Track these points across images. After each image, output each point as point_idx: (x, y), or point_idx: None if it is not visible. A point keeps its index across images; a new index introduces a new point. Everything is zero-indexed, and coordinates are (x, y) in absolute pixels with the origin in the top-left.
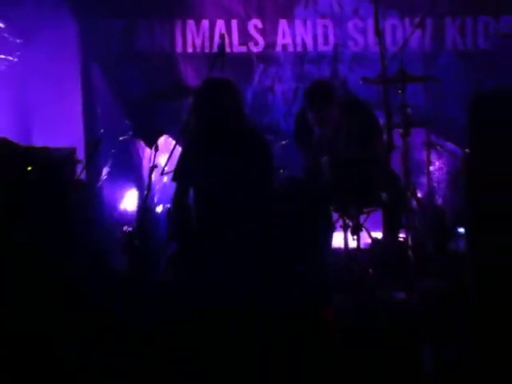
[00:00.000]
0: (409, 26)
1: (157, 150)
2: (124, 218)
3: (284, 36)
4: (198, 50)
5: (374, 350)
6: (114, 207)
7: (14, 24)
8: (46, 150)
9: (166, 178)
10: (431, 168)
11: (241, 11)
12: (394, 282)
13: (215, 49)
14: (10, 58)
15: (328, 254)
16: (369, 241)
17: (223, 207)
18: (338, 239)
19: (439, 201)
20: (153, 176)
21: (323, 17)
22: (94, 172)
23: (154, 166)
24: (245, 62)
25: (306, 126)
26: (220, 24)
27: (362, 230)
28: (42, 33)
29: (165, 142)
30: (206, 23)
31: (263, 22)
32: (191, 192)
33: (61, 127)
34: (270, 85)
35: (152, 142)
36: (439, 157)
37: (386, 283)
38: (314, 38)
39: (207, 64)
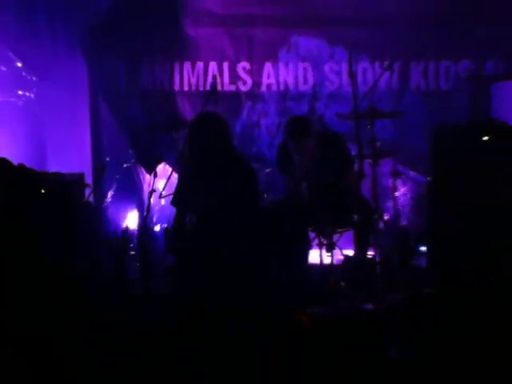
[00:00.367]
0: (378, 69)
1: (156, 175)
2: (126, 235)
3: (269, 77)
4: (194, 88)
5: (346, 350)
6: (117, 226)
7: (31, 63)
8: (58, 174)
9: (163, 201)
10: (397, 194)
11: (231, 55)
12: (363, 293)
13: (208, 87)
14: (27, 94)
15: (305, 268)
16: (341, 257)
17: (216, 226)
18: (314, 256)
19: (404, 222)
20: (152, 199)
21: (303, 60)
22: (100, 194)
23: (153, 190)
24: (234, 99)
25: (287, 156)
26: (213, 66)
27: (335, 248)
28: (56, 71)
29: (163, 168)
30: (200, 65)
31: (251, 64)
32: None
33: (71, 154)
34: (257, 119)
35: (151, 169)
36: (404, 184)
37: (357, 295)
38: (295, 78)
39: (201, 100)
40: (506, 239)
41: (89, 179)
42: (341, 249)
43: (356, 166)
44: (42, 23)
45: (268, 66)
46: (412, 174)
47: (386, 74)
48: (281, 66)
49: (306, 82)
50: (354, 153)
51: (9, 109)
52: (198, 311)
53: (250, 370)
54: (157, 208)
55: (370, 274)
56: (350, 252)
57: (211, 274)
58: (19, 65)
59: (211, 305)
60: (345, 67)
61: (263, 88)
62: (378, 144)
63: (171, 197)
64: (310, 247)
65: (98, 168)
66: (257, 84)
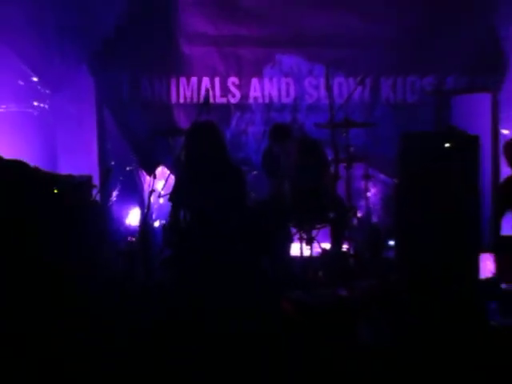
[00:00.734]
0: (352, 84)
1: (155, 177)
2: (128, 230)
3: (255, 90)
4: (188, 100)
5: (323, 331)
6: (121, 222)
7: (45, 78)
8: (68, 176)
9: (161, 200)
10: (368, 194)
11: (222, 71)
12: (338, 282)
13: (202, 99)
14: (42, 105)
15: (287, 259)
16: (319, 250)
17: (208, 221)
18: (295, 249)
19: (374, 219)
20: (152, 198)
21: (286, 76)
22: (106, 194)
23: (153, 191)
24: (225, 110)
25: (271, 160)
26: (206, 80)
27: (314, 242)
28: (66, 85)
29: (161, 171)
30: (194, 80)
31: (239, 79)
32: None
33: (80, 159)
34: (244, 128)
35: (151, 172)
36: (374, 185)
37: (333, 283)
38: (279, 91)
39: (195, 111)
40: (464, 234)
41: (96, 181)
42: (319, 243)
43: (332, 169)
44: (53, 43)
45: (254, 81)
46: (382, 176)
47: (359, 89)
48: (266, 80)
49: (288, 95)
50: (330, 157)
51: (25, 118)
52: (192, 298)
53: (240, 347)
54: (156, 206)
55: (345, 264)
56: (327, 245)
57: (205, 265)
58: (35, 79)
59: (205, 293)
60: (322, 82)
61: (250, 100)
62: (352, 150)
63: (169, 195)
64: (291, 241)
65: (104, 171)
66: (245, 97)
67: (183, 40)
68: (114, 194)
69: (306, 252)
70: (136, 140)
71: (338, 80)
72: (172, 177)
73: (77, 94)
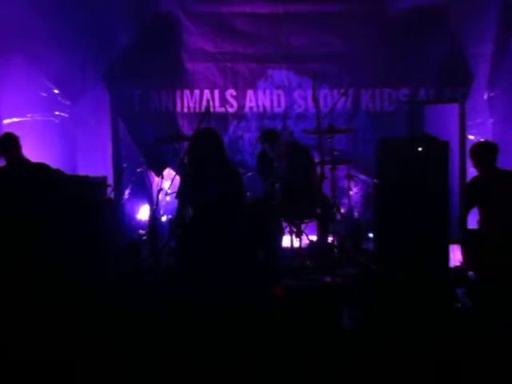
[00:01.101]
0: (336, 95)
1: (162, 178)
2: (139, 224)
3: (250, 101)
4: (192, 110)
5: (310, 313)
6: (133, 217)
7: (65, 91)
8: (86, 177)
9: (168, 197)
10: (351, 192)
11: (221, 84)
12: (324, 269)
13: (203, 109)
14: (62, 115)
15: (279, 250)
16: (307, 242)
17: (209, 216)
18: (286, 240)
19: (356, 215)
20: (159, 196)
21: (277, 88)
22: (119, 193)
23: (160, 189)
24: (223, 118)
25: (264, 163)
26: (207, 92)
27: (302, 234)
28: (84, 97)
29: (168, 172)
30: (197, 92)
31: (236, 91)
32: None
33: (96, 161)
34: (241, 134)
35: (159, 173)
36: (356, 185)
37: (319, 270)
38: (271, 102)
39: (198, 119)
40: (435, 228)
41: (110, 180)
42: (307, 235)
43: (318, 170)
44: (73, 60)
45: (250, 93)
46: (362, 177)
47: (342, 99)
48: (259, 92)
49: (279, 105)
50: (317, 160)
51: (48, 126)
52: (195, 283)
53: (236, 325)
54: (163, 203)
55: (330, 254)
56: (314, 237)
57: (207, 253)
58: (56, 92)
59: (206, 278)
60: (309, 94)
61: (246, 110)
62: (336, 153)
63: (175, 193)
64: (282, 234)
65: (117, 172)
66: (241, 107)
67: (186, 57)
68: (126, 192)
69: (296, 243)
70: (145, 145)
71: (323, 92)
72: (177, 177)
73: (94, 105)
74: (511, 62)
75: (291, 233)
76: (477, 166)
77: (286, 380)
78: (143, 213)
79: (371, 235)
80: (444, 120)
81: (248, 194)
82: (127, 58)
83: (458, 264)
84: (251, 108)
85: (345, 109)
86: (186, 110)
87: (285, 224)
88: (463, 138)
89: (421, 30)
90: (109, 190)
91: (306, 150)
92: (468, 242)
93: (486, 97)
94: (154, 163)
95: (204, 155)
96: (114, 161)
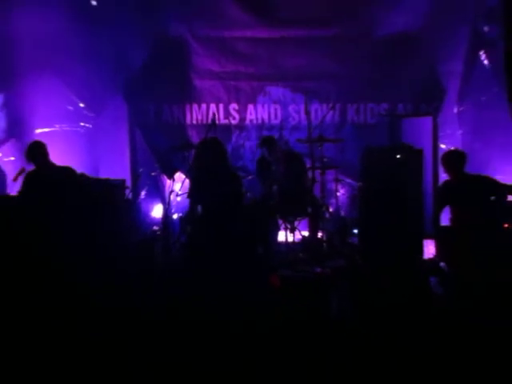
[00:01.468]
0: (325, 109)
1: (173, 181)
2: (153, 221)
3: (251, 114)
4: (199, 122)
5: (301, 300)
6: (148, 215)
7: (89, 104)
8: (107, 180)
9: (179, 198)
10: (338, 194)
11: (225, 99)
12: (315, 261)
13: (209, 121)
14: (87, 125)
15: (275, 244)
16: (300, 237)
17: (214, 214)
18: (281, 236)
19: (343, 213)
20: (171, 196)
21: (274, 103)
22: (136, 194)
23: (172, 191)
24: (227, 129)
25: (263, 168)
26: (212, 106)
27: (296, 230)
28: (106, 110)
29: (178, 176)
30: (204, 106)
31: (238, 106)
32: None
33: (116, 166)
34: (242, 143)
35: (171, 176)
36: (343, 187)
37: (311, 262)
38: (269, 115)
39: (205, 130)
40: (411, 225)
41: (128, 183)
42: (300, 231)
43: (310, 175)
44: (96, 77)
45: (250, 107)
46: (348, 180)
47: (331, 113)
48: (259, 106)
49: (276, 117)
50: (308, 165)
51: (74, 135)
52: (203, 273)
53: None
54: (174, 203)
55: (320, 248)
56: (306, 233)
57: (213, 247)
58: (81, 105)
59: (212, 269)
60: (302, 108)
61: (247, 121)
62: (325, 160)
63: (186, 194)
64: (278, 230)
65: (135, 176)
66: (242, 119)
67: (195, 76)
68: (142, 193)
69: (290, 238)
70: (159, 152)
71: (314, 106)
72: (187, 180)
73: (114, 117)
74: (478, 79)
75: (286, 229)
76: (448, 171)
77: (282, 360)
78: (157, 211)
79: (356, 231)
80: (419, 131)
81: (248, 194)
82: (143, 76)
83: (431, 256)
84: (251, 120)
85: (333, 121)
86: (194, 121)
87: (280, 221)
88: (436, 147)
89: (400, 52)
90: (127, 191)
91: (300, 157)
92: (440, 237)
93: (455, 111)
94: (166, 168)
95: (209, 162)
96: (132, 166)
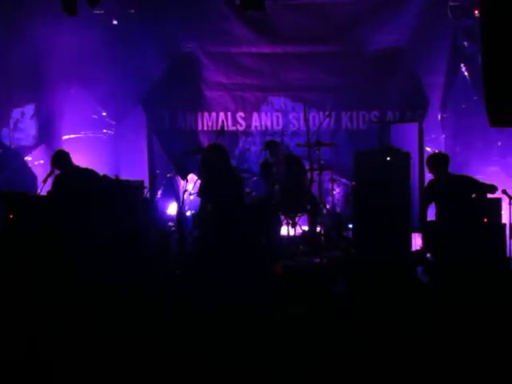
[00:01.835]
0: (322, 116)
1: (187, 181)
2: (169, 218)
3: (255, 121)
4: (210, 128)
5: (301, 288)
6: (164, 212)
7: (111, 113)
8: (127, 181)
9: (192, 197)
10: (334, 192)
11: (232, 108)
12: (313, 253)
13: (219, 128)
14: (109, 132)
15: (278, 237)
16: (300, 231)
17: (222, 209)
18: (283, 230)
19: (338, 210)
20: (185, 196)
21: (276, 111)
22: (153, 193)
23: (185, 190)
24: (234, 135)
25: (266, 170)
26: (221, 115)
27: (296, 225)
28: (127, 118)
29: (191, 177)
30: (214, 114)
31: (244, 114)
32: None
33: (135, 168)
34: (248, 147)
35: (184, 177)
36: (338, 186)
37: (310, 253)
38: (271, 122)
39: (214, 136)
40: (400, 220)
41: (146, 184)
42: (300, 226)
43: (308, 175)
44: (118, 88)
45: (255, 115)
46: (343, 180)
47: (327, 120)
48: (262, 114)
49: (278, 124)
50: (307, 167)
51: (98, 141)
52: (213, 265)
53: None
54: (188, 202)
55: (318, 241)
56: (306, 227)
57: (222, 240)
58: (104, 114)
59: (221, 260)
60: (301, 116)
61: (252, 128)
62: (322, 162)
63: (197, 192)
64: (281, 224)
65: (152, 177)
66: (248, 126)
67: (205, 87)
68: (159, 193)
69: (291, 232)
70: (174, 156)
71: (312, 114)
72: (199, 181)
73: (134, 125)
74: (459, 89)
75: (288, 224)
76: (432, 171)
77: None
78: (172, 209)
79: (350, 226)
80: (406, 136)
81: (253, 194)
82: (160, 87)
83: (418, 248)
84: (256, 127)
85: (329, 127)
86: (205, 128)
87: (282, 217)
88: (421, 150)
89: (388, 66)
90: (145, 191)
91: (299, 159)
92: (426, 230)
93: (439, 117)
94: (180, 170)
95: (217, 164)
96: (149, 168)
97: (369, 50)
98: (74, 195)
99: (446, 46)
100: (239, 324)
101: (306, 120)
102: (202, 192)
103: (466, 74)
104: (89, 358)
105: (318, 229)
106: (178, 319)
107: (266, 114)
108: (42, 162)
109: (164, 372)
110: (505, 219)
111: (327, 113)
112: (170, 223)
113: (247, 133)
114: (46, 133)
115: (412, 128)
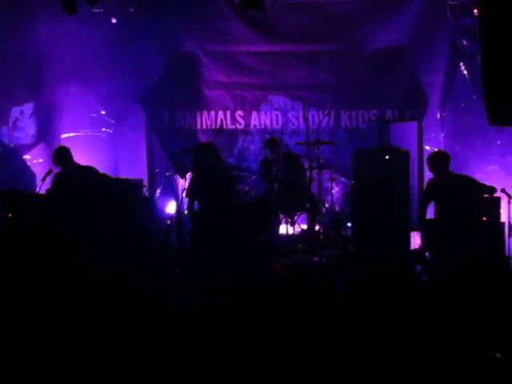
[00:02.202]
0: (321, 115)
1: (185, 180)
2: (167, 216)
3: (255, 120)
4: (209, 127)
5: (301, 286)
6: (162, 210)
7: (110, 111)
8: (126, 179)
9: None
10: (333, 191)
11: (232, 107)
12: (312, 251)
13: (217, 126)
14: (108, 131)
15: (277, 236)
16: (299, 229)
17: (211, 208)
18: (282, 229)
19: (337, 208)
20: (183, 194)
21: (276, 110)
22: (152, 192)
23: (184, 189)
24: (234, 133)
25: (265, 168)
26: (220, 113)
27: (295, 224)
28: (126, 117)
29: (189, 175)
30: (212, 113)
31: (244, 112)
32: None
33: (135, 167)
34: (247, 146)
35: (183, 176)
36: (337, 185)
37: (309, 252)
38: (271, 121)
39: (213, 135)
40: (399, 218)
41: (145, 182)
42: (299, 224)
43: (308, 174)
44: (117, 88)
45: (254, 114)
46: (342, 179)
47: (326, 118)
48: (262, 113)
49: (277, 123)
50: (306, 166)
51: (97, 140)
52: (207, 256)
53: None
54: (186, 200)
55: (317, 239)
56: (305, 226)
57: (216, 236)
58: (103, 113)
59: (218, 260)
60: (301, 114)
61: (251, 127)
62: (321, 161)
63: (185, 193)
64: (280, 223)
65: (151, 175)
66: (247, 124)
67: (204, 86)
68: (158, 191)
69: (290, 231)
70: (173, 154)
71: (311, 113)
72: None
73: (133, 123)
74: (457, 89)
75: (286, 222)
76: (432, 170)
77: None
78: (171, 207)
79: (349, 225)
80: (405, 135)
81: (252, 192)
82: (159, 86)
83: (417, 247)
84: (255, 125)
85: (328, 126)
86: (204, 127)
87: (281, 215)
88: (421, 149)
89: (387, 65)
90: (144, 189)
91: (298, 158)
92: (426, 229)
93: (438, 116)
94: (179, 169)
95: (203, 163)
96: (148, 167)
97: (368, 49)
98: (73, 193)
99: (446, 46)
100: (239, 323)
101: (306, 119)
102: (189, 193)
103: (465, 72)
104: (89, 358)
105: (317, 227)
106: (178, 318)
107: (266, 113)
108: (41, 160)
109: (164, 372)
110: (504, 218)
111: (326, 111)
112: (169, 221)
113: (246, 131)
114: (45, 131)
115: (411, 127)
